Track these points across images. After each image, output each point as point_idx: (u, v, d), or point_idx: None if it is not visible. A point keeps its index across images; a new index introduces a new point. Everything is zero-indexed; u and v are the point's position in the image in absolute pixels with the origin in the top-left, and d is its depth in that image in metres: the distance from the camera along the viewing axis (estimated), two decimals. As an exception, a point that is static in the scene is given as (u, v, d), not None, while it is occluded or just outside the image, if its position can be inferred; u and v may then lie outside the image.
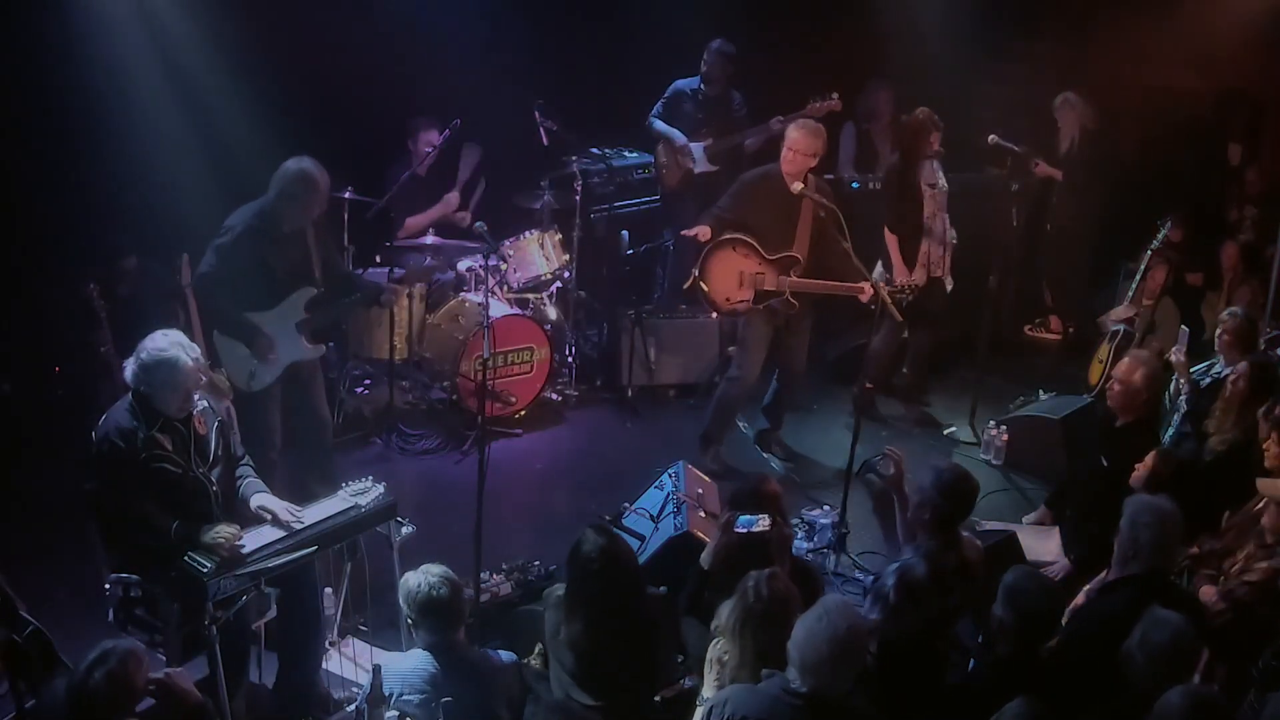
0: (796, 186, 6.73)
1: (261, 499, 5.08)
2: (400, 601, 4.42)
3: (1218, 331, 6.58)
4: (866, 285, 6.85)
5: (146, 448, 4.82)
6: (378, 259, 8.02)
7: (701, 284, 7.05)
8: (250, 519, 5.02)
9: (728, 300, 7.04)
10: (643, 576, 4.73)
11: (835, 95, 8.02)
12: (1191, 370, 6.60)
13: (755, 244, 6.95)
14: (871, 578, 5.75)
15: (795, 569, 4.88)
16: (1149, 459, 5.67)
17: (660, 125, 8.62)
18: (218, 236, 6.08)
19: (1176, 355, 6.59)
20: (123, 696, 3.92)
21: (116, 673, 3.90)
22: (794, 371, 7.46)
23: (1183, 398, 6.49)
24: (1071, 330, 9.39)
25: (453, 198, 8.36)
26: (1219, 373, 6.48)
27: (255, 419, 6.24)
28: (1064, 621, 4.92)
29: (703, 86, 8.50)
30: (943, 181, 7.67)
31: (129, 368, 4.88)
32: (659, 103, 8.65)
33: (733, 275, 6.98)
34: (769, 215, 6.96)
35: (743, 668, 4.13)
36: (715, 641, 4.31)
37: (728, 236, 6.95)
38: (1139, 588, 4.59)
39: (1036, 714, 3.89)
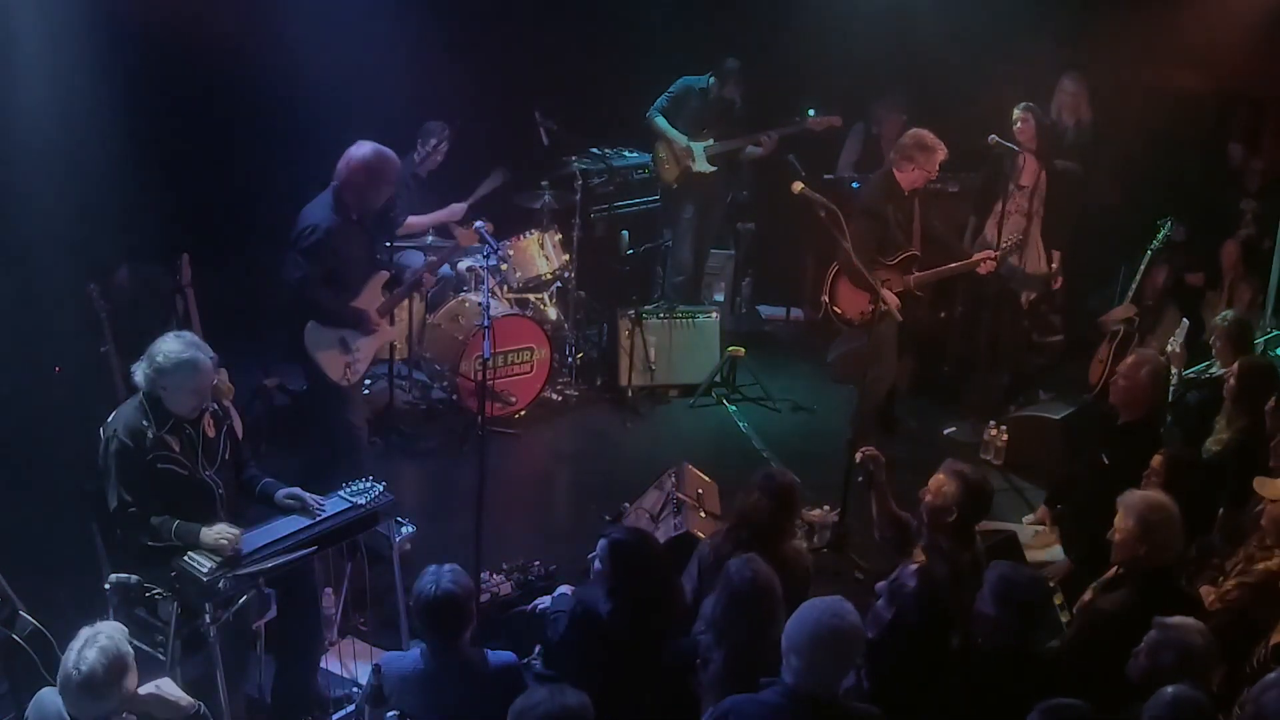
0: (797, 186, 6.68)
1: (287, 490, 5.11)
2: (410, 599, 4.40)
3: (1211, 336, 6.57)
4: (980, 256, 7.21)
5: (154, 448, 4.82)
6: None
7: (834, 308, 7.23)
8: (250, 520, 5.02)
9: (862, 314, 7.13)
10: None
11: (836, 116, 8.21)
12: (1188, 370, 6.60)
13: (877, 257, 7.05)
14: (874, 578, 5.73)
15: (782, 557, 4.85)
16: (1155, 463, 5.53)
17: (661, 123, 8.59)
18: (300, 238, 5.96)
19: (1173, 345, 6.59)
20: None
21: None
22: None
23: (1171, 387, 6.49)
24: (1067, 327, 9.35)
25: (459, 208, 8.26)
26: (1213, 373, 6.48)
27: (339, 416, 6.23)
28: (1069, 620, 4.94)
29: (712, 87, 8.51)
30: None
31: (140, 371, 4.84)
32: (664, 95, 8.63)
33: (861, 291, 7.05)
34: (893, 222, 7.09)
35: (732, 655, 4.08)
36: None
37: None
38: (1140, 584, 4.59)
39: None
